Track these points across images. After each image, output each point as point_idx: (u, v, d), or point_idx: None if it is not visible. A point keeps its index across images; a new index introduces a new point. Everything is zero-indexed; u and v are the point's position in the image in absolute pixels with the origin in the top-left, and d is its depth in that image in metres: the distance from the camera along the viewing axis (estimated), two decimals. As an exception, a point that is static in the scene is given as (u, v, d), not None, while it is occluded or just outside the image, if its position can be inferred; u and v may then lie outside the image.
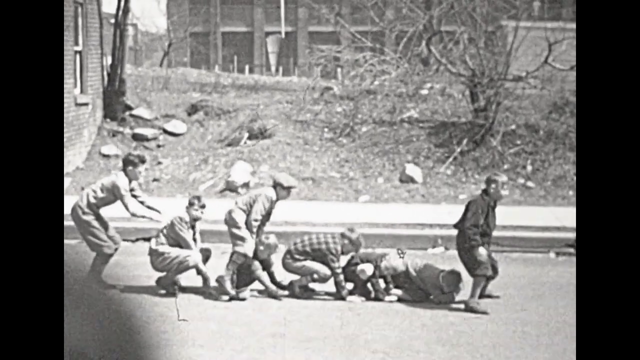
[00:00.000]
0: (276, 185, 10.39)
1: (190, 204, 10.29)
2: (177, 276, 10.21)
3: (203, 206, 10.33)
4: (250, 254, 10.23)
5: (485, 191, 10.10)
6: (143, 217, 10.46)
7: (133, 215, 10.36)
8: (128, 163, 10.45)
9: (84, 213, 10.29)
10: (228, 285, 10.14)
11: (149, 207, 10.61)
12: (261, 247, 10.34)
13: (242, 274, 10.30)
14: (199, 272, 10.22)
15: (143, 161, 10.58)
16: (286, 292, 10.30)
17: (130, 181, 10.40)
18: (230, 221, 10.32)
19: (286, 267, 10.44)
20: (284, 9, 56.27)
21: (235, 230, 10.25)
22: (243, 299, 10.13)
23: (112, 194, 10.30)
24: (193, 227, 10.33)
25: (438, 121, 20.21)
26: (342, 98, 21.85)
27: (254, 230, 10.27)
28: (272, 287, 10.32)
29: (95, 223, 10.32)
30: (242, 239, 10.19)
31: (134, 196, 10.51)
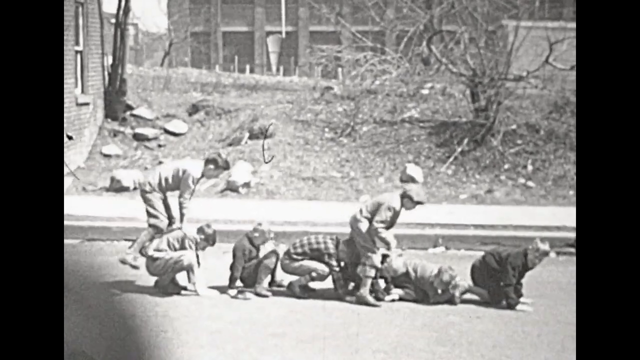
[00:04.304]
0: (405, 197, 10.21)
1: (207, 240, 10.12)
2: (176, 275, 10.18)
3: (214, 243, 10.31)
4: (379, 265, 10.12)
5: (525, 253, 10.10)
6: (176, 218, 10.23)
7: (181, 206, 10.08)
8: (212, 162, 10.17)
9: (152, 191, 10.04)
10: (371, 299, 10.02)
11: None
12: (256, 234, 10.37)
13: (247, 276, 10.34)
14: (188, 274, 10.15)
15: (226, 168, 10.35)
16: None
17: (201, 177, 10.14)
18: (356, 230, 10.16)
19: (285, 268, 10.44)
20: (284, 9, 56.25)
21: (362, 242, 10.09)
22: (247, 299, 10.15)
23: (178, 182, 9.99)
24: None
25: (439, 121, 20.22)
26: (343, 98, 21.87)
27: (375, 239, 10.09)
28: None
29: (159, 203, 10.04)
30: (372, 250, 10.06)
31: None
